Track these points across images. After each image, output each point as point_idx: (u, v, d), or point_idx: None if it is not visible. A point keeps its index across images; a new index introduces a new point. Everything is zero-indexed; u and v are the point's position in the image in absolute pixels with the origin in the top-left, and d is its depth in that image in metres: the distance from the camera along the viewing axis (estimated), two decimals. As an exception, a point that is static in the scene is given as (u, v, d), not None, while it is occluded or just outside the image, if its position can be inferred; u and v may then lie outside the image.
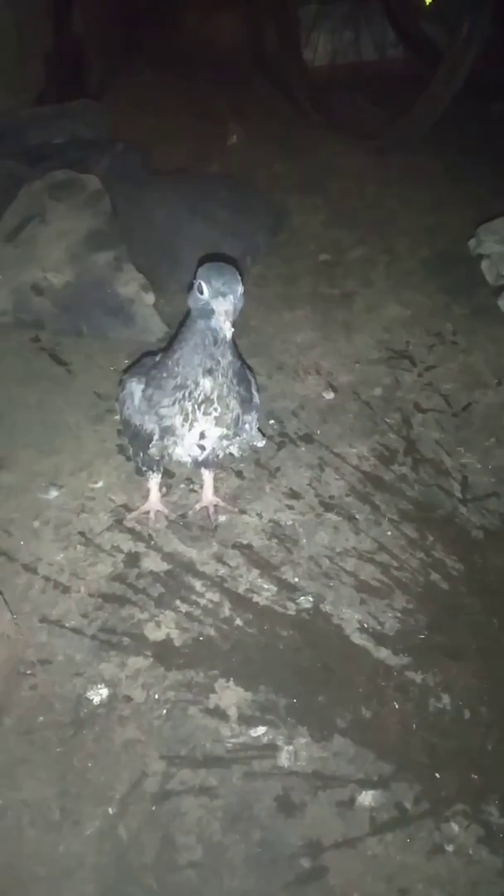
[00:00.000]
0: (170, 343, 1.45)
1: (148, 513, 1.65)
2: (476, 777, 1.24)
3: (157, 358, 1.46)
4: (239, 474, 1.77)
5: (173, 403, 1.36)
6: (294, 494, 1.73)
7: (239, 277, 1.24)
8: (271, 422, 1.91)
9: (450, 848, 1.16)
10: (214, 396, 1.34)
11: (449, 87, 3.11)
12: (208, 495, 1.67)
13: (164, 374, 1.36)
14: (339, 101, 3.67)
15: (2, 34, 2.91)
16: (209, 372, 1.31)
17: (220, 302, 1.22)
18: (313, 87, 3.77)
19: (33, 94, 3.10)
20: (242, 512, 1.68)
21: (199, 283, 1.25)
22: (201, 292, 1.25)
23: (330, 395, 2.02)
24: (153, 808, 1.19)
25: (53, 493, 1.70)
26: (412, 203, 2.94)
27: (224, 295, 1.22)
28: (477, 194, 2.91)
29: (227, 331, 1.23)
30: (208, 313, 1.25)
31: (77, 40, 3.59)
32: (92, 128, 2.79)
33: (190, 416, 1.36)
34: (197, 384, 1.32)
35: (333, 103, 3.66)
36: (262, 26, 4.40)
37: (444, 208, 2.89)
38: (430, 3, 3.79)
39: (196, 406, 1.35)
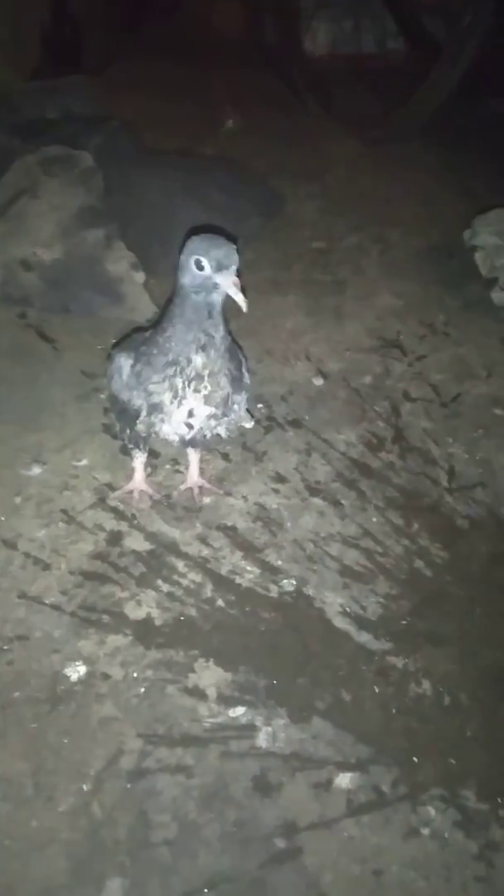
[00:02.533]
0: (159, 319, 1.43)
1: (132, 492, 1.63)
2: (454, 762, 1.24)
3: (147, 334, 1.44)
4: (225, 457, 1.76)
5: (163, 380, 1.33)
6: (280, 478, 1.72)
7: (235, 247, 1.22)
8: (259, 406, 1.90)
9: (426, 831, 1.15)
10: (206, 373, 1.32)
11: (447, 79, 3.11)
12: (194, 476, 1.65)
13: (155, 351, 1.34)
14: (337, 91, 3.66)
15: (-2, 8, 2.87)
16: (202, 348, 1.29)
17: (225, 275, 1.20)
18: (312, 76, 3.76)
19: (29, 71, 3.06)
20: (228, 494, 1.66)
21: (197, 259, 1.21)
22: (200, 268, 1.21)
23: (319, 382, 2.00)
24: (128, 785, 1.17)
25: (36, 470, 1.68)
26: (407, 194, 2.93)
27: (227, 267, 1.20)
28: (472, 188, 2.92)
29: (243, 303, 1.20)
30: (209, 288, 1.23)
31: (75, 19, 3.55)
32: (86, 105, 2.75)
33: (179, 392, 1.34)
34: (189, 361, 1.30)
35: (332, 93, 3.64)
36: (262, 14, 4.37)
37: (439, 200, 2.89)
38: (430, -4, 3.78)
39: (186, 383, 1.33)
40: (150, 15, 4.58)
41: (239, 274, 1.23)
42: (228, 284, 1.21)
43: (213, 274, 1.21)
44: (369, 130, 3.33)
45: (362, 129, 3.37)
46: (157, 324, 1.42)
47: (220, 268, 1.20)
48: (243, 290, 1.23)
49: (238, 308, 1.26)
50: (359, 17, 3.95)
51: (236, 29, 4.71)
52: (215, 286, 1.22)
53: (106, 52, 3.72)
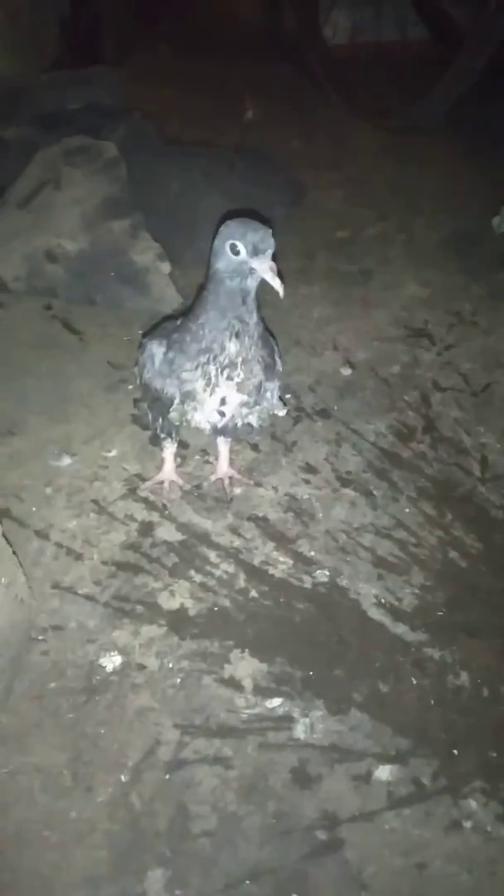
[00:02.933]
0: (191, 307, 1.42)
1: (162, 483, 1.62)
2: (494, 754, 1.22)
3: (179, 321, 1.42)
4: (255, 447, 1.74)
5: (196, 367, 1.32)
6: (310, 469, 1.70)
7: (271, 231, 1.20)
8: (288, 396, 1.88)
9: (468, 824, 1.14)
10: (238, 360, 1.30)
11: (472, 66, 3.07)
12: (224, 467, 1.64)
13: (188, 338, 1.32)
14: (358, 80, 3.61)
15: (19, 0, 2.85)
16: (236, 335, 1.27)
17: (262, 260, 1.18)
18: (332, 65, 3.71)
19: (49, 62, 3.04)
20: (258, 485, 1.65)
21: (233, 244, 1.19)
22: (236, 252, 1.19)
23: (347, 372, 1.98)
24: (166, 776, 1.16)
25: (66, 461, 1.67)
26: (431, 183, 2.90)
27: (264, 252, 1.18)
28: (497, 175, 2.87)
29: (280, 287, 1.18)
30: (245, 273, 1.21)
31: (93, 10, 3.53)
32: (108, 96, 2.74)
33: (212, 380, 1.32)
34: (223, 348, 1.29)
35: (352, 82, 3.60)
36: (280, 2, 4.33)
37: (464, 189, 2.85)
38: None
39: (219, 370, 1.31)
40: (169, 5, 4.54)
41: (275, 258, 1.21)
42: (265, 269, 1.19)
43: (248, 258, 1.19)
44: (391, 119, 3.30)
45: (384, 117, 3.33)
46: (188, 311, 1.40)
47: (256, 252, 1.18)
48: (280, 275, 1.21)
49: (263, 298, 1.24)
50: (380, 4, 3.90)
51: (254, 18, 4.67)
52: (251, 271, 1.21)
53: (125, 43, 3.70)
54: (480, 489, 1.67)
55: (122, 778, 1.16)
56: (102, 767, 1.17)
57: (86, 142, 2.31)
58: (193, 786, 1.15)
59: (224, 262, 1.22)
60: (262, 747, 1.20)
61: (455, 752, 1.22)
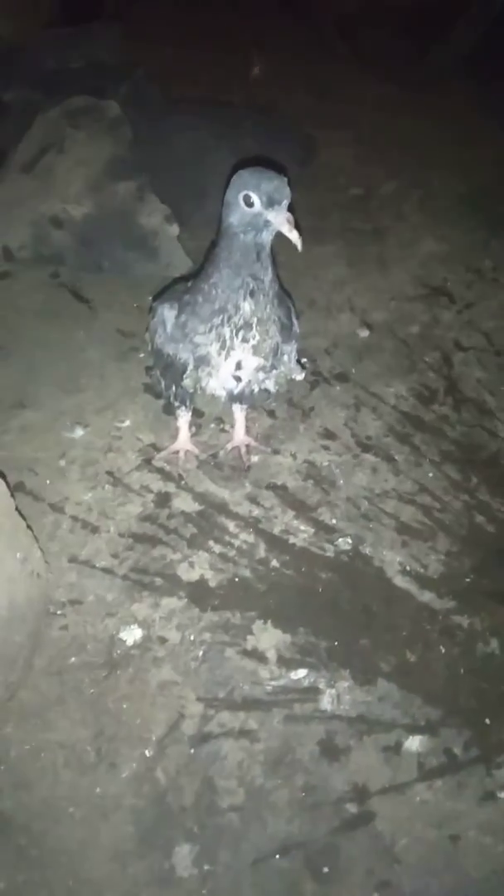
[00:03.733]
0: (202, 266, 1.35)
1: (177, 452, 1.57)
2: (528, 723, 1.19)
3: (190, 283, 1.36)
4: (271, 414, 1.69)
5: (210, 330, 1.26)
6: (329, 435, 1.65)
7: (286, 179, 1.13)
8: (304, 360, 1.82)
9: (501, 795, 1.11)
10: (254, 321, 1.24)
11: (486, 13, 2.94)
12: (240, 435, 1.59)
13: (200, 299, 1.26)
14: (368, 32, 3.48)
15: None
16: (251, 294, 1.21)
17: (278, 211, 1.11)
18: (340, 17, 3.58)
19: (47, 19, 2.93)
20: (276, 452, 1.60)
21: (246, 195, 1.12)
22: (250, 204, 1.12)
23: (365, 333, 1.92)
24: (191, 750, 1.14)
25: (79, 432, 1.63)
26: (447, 136, 2.78)
27: (279, 202, 1.11)
28: (514, 128, 2.76)
29: (298, 240, 1.12)
30: (260, 226, 1.14)
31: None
32: (109, 53, 2.63)
33: (227, 343, 1.27)
34: (238, 308, 1.22)
35: (362, 34, 3.46)
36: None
37: (481, 142, 2.73)
38: None
39: (234, 332, 1.25)
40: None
41: (291, 209, 1.14)
42: (281, 221, 1.12)
43: (263, 210, 1.12)
44: (403, 71, 3.16)
45: (396, 70, 3.20)
46: (199, 271, 1.34)
47: (271, 203, 1.11)
48: (297, 227, 1.14)
49: (286, 254, 1.17)
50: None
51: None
52: (266, 224, 1.14)
53: (125, 1, 3.57)
54: (506, 451, 1.61)
55: (147, 753, 1.14)
56: (126, 743, 1.15)
57: (88, 102, 2.23)
58: (219, 760, 1.13)
59: (237, 215, 1.15)
60: (288, 719, 1.18)
61: (487, 721, 1.19)
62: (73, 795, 1.09)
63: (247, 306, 1.23)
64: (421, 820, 1.08)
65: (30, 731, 1.15)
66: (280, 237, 1.19)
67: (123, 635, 1.27)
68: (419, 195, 2.45)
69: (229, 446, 1.59)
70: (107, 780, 1.11)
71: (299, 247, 1.14)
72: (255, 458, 1.58)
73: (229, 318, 1.24)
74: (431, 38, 3.16)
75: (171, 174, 2.20)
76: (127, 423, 1.66)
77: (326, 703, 1.20)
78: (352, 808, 1.09)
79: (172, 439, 1.60)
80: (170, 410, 1.63)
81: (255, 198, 1.12)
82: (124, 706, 1.19)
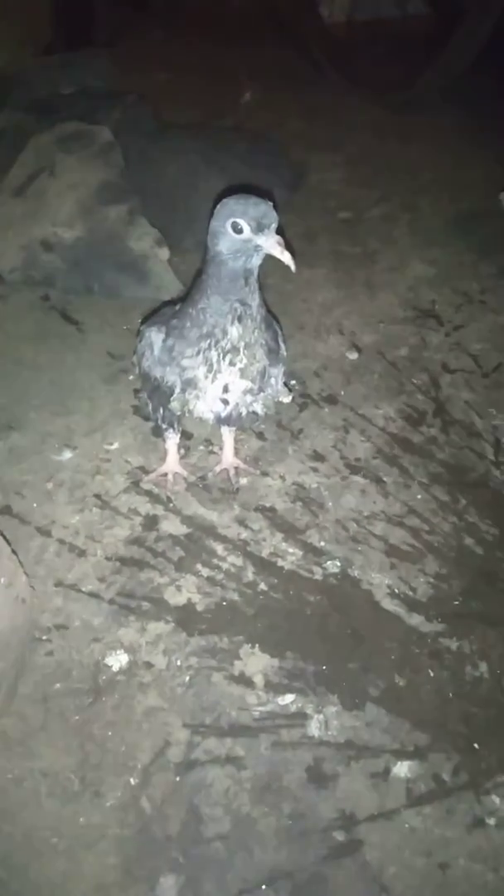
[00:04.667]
0: (189, 291, 1.36)
1: (166, 475, 1.57)
2: (517, 748, 1.18)
3: (178, 307, 1.37)
4: (260, 436, 1.69)
5: (197, 353, 1.27)
6: (318, 456, 1.65)
7: (272, 204, 1.14)
8: (293, 382, 1.83)
9: (491, 821, 1.10)
10: (241, 345, 1.25)
11: (472, 41, 2.99)
12: (229, 457, 1.59)
13: (188, 324, 1.27)
14: (356, 58, 3.54)
15: (7, -17, 2.79)
16: (238, 319, 1.22)
17: (267, 235, 1.12)
18: (330, 43, 3.63)
19: (42, 46, 2.98)
20: (264, 474, 1.60)
21: (234, 222, 1.13)
22: (238, 230, 1.13)
23: (353, 356, 1.93)
24: (177, 778, 1.12)
25: (67, 455, 1.62)
26: (434, 161, 2.82)
27: (268, 226, 1.12)
28: (501, 152, 2.79)
29: (291, 261, 1.13)
30: (249, 252, 1.15)
31: (85, -7, 3.46)
32: (102, 79, 2.67)
33: (214, 366, 1.27)
34: (225, 332, 1.23)
35: (351, 60, 3.52)
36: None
37: (468, 166, 2.78)
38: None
39: (222, 356, 1.26)
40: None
41: (280, 232, 1.15)
42: (272, 245, 1.13)
43: (253, 236, 1.13)
44: (392, 97, 3.22)
45: (384, 95, 3.25)
46: (187, 296, 1.35)
47: (260, 228, 1.12)
48: (290, 249, 1.15)
49: (265, 282, 1.18)
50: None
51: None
52: (256, 248, 1.14)
53: (118, 26, 3.62)
54: (495, 473, 1.62)
55: (132, 781, 1.12)
56: (111, 771, 1.13)
57: (80, 127, 2.25)
58: (205, 787, 1.12)
59: (226, 242, 1.15)
60: (275, 746, 1.16)
61: (476, 745, 1.18)
62: (56, 825, 1.07)
63: (234, 331, 1.24)
64: (410, 848, 1.07)
65: (13, 760, 1.14)
66: (270, 261, 1.20)
67: (109, 661, 1.26)
68: (407, 219, 2.48)
69: (218, 468, 1.59)
70: (91, 810, 1.09)
71: (293, 268, 1.15)
72: (243, 481, 1.58)
73: (217, 342, 1.25)
74: (419, 64, 3.21)
75: (161, 198, 2.23)
76: (115, 445, 1.66)
77: (314, 728, 1.19)
78: (340, 836, 1.07)
79: (161, 461, 1.60)
80: (158, 433, 1.63)
81: (243, 224, 1.13)
82: (109, 733, 1.17)
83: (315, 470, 1.62)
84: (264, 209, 1.12)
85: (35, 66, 2.67)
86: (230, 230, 1.14)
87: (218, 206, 1.17)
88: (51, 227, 2.07)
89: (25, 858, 1.04)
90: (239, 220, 1.12)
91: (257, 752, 1.16)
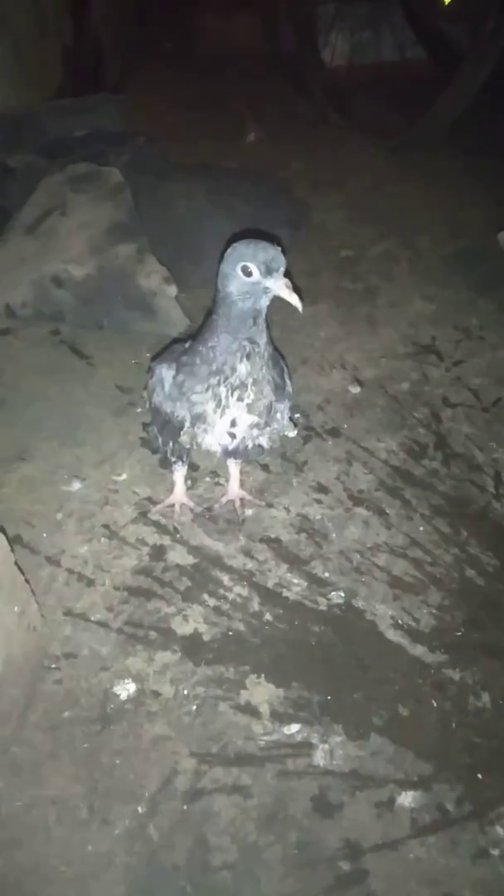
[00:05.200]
0: (199, 330, 1.41)
1: (173, 506, 1.60)
2: (520, 778, 1.19)
3: (188, 344, 1.42)
4: (265, 468, 1.73)
5: (206, 389, 1.31)
6: (322, 488, 1.68)
7: (280, 248, 1.20)
8: (297, 415, 1.87)
9: (495, 852, 1.11)
10: (249, 381, 1.30)
11: (470, 85, 3.09)
12: (234, 488, 1.63)
13: (198, 361, 1.31)
14: (357, 101, 3.65)
15: (23, 29, 2.90)
16: (247, 356, 1.27)
17: (276, 278, 1.18)
18: (331, 86, 3.76)
19: (53, 89, 3.08)
20: (270, 506, 1.64)
21: (244, 266, 1.18)
22: (248, 273, 1.19)
23: (356, 390, 1.97)
24: (184, 807, 1.14)
25: (76, 486, 1.66)
26: (433, 201, 2.91)
27: (277, 270, 1.18)
28: (499, 191, 2.89)
29: (298, 303, 1.19)
30: (259, 293, 1.20)
31: (96, 37, 3.59)
32: (112, 121, 2.76)
33: (223, 402, 1.31)
34: (234, 369, 1.28)
35: (352, 102, 3.64)
36: (278, 26, 4.39)
37: (466, 206, 2.86)
38: (449, 3, 3.77)
39: (230, 392, 1.30)
40: (168, 29, 4.61)
41: (287, 273, 1.21)
42: (280, 287, 1.18)
43: (262, 279, 1.19)
44: (392, 138, 3.32)
45: (384, 137, 3.36)
46: (197, 334, 1.40)
47: (269, 271, 1.18)
48: (297, 291, 1.20)
49: (270, 318, 1.24)
50: (377, 26, 3.95)
51: (253, 41, 4.73)
52: (265, 290, 1.20)
53: (127, 70, 3.75)
54: (495, 505, 1.65)
55: (139, 809, 1.13)
56: (119, 798, 1.15)
57: (91, 168, 2.34)
58: (212, 816, 1.13)
59: (236, 285, 1.21)
60: (281, 775, 1.18)
61: (479, 776, 1.19)
62: (64, 853, 1.08)
63: (243, 368, 1.28)
64: (414, 877, 1.08)
65: (22, 787, 1.15)
66: (276, 299, 1.25)
67: (117, 689, 1.28)
68: (408, 256, 2.55)
69: (224, 500, 1.63)
70: (99, 838, 1.10)
71: (300, 309, 1.21)
72: (249, 512, 1.62)
73: (226, 379, 1.29)
74: (418, 106, 3.32)
75: (169, 237, 2.29)
76: (124, 476, 1.69)
77: (319, 758, 1.21)
78: (345, 865, 1.08)
79: (168, 492, 1.63)
80: (166, 465, 1.66)
81: (253, 268, 1.18)
82: (117, 761, 1.19)
83: (319, 502, 1.65)
84: (273, 253, 1.18)
85: (47, 109, 2.76)
86: (240, 273, 1.19)
87: (228, 251, 1.22)
88: (62, 265, 2.13)
89: (35, 886, 1.05)
90: (249, 264, 1.18)
91: (263, 781, 1.17)
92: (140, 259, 2.13)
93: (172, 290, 2.11)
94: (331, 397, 1.95)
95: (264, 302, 1.22)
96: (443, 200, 2.91)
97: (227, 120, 3.60)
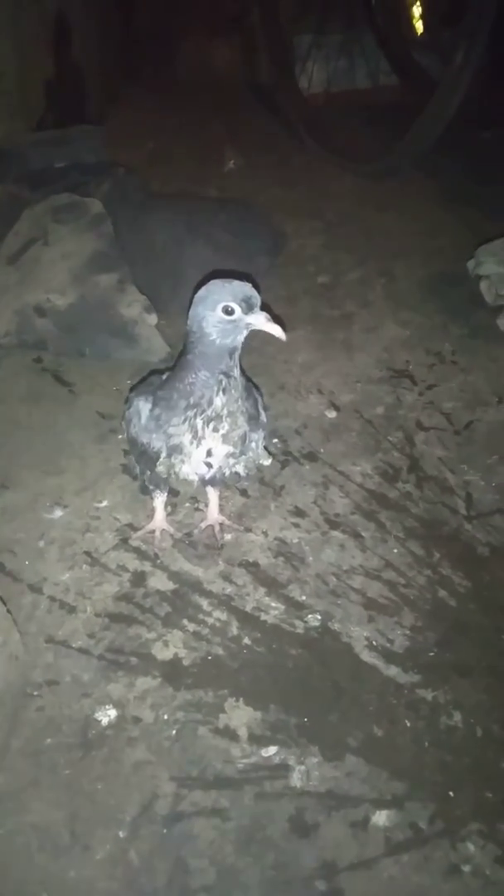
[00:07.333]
0: (176, 364, 1.45)
1: (153, 532, 1.64)
2: (490, 795, 1.23)
3: (164, 377, 1.46)
4: (244, 493, 1.77)
5: (183, 421, 1.36)
6: (299, 512, 1.73)
7: (251, 284, 1.25)
8: (275, 440, 1.92)
9: (466, 868, 1.14)
10: (224, 413, 1.34)
11: (443, 113, 3.18)
12: (214, 514, 1.67)
13: (175, 395, 1.36)
14: (333, 128, 3.74)
15: (3, 61, 2.96)
16: (223, 390, 1.32)
17: (256, 314, 1.24)
18: (308, 113, 3.85)
19: (34, 120, 3.14)
20: (248, 530, 1.68)
21: (225, 306, 1.23)
22: (230, 312, 1.24)
23: (332, 414, 2.03)
24: (164, 830, 1.17)
25: (58, 513, 1.69)
26: (408, 226, 2.98)
27: (256, 305, 1.23)
28: (471, 218, 2.96)
29: (281, 333, 1.24)
30: (240, 330, 1.26)
31: (77, 67, 3.66)
32: (93, 152, 2.82)
33: (199, 433, 1.36)
34: (210, 402, 1.33)
35: (328, 129, 3.73)
36: (255, 55, 4.50)
37: (440, 231, 2.94)
38: (422, 34, 3.89)
39: (206, 423, 1.35)
40: (148, 59, 4.71)
41: (263, 307, 1.27)
42: (262, 322, 1.25)
43: (243, 316, 1.24)
44: (368, 165, 3.40)
45: (361, 163, 3.44)
46: (174, 368, 1.44)
47: (249, 308, 1.24)
48: (279, 321, 1.26)
49: (248, 345, 1.29)
50: (352, 55, 4.06)
51: (231, 70, 4.83)
52: (247, 326, 1.26)
53: (108, 100, 3.82)
54: (466, 527, 1.70)
55: (120, 834, 1.16)
56: (100, 824, 1.17)
57: (72, 199, 2.38)
58: (192, 839, 1.16)
59: (216, 324, 1.26)
60: (258, 797, 1.21)
61: (451, 794, 1.23)
62: (46, 879, 1.11)
63: (219, 400, 1.33)
64: (388, 895, 1.11)
65: (4, 814, 1.17)
66: (255, 329, 1.30)
67: (98, 716, 1.30)
68: (383, 282, 2.62)
69: (203, 525, 1.67)
70: (80, 863, 1.13)
71: (283, 338, 1.27)
72: (228, 537, 1.65)
73: (202, 411, 1.34)
74: (392, 132, 3.40)
75: (149, 266, 2.35)
76: (105, 503, 1.73)
77: (296, 779, 1.24)
78: (321, 885, 1.11)
79: (149, 519, 1.67)
80: (146, 491, 1.70)
81: (234, 306, 1.24)
82: (99, 787, 1.21)
83: (296, 525, 1.70)
84: (249, 290, 1.24)
85: (29, 140, 2.82)
86: (221, 313, 1.25)
87: (201, 293, 1.27)
88: (44, 294, 2.17)
89: (17, 913, 1.07)
90: (230, 304, 1.24)
91: (241, 803, 1.20)
92: (121, 289, 2.18)
93: (153, 318, 2.16)
94: (308, 422, 2.00)
95: (240, 337, 1.28)
96: (417, 225, 2.99)
97: (207, 147, 3.67)
